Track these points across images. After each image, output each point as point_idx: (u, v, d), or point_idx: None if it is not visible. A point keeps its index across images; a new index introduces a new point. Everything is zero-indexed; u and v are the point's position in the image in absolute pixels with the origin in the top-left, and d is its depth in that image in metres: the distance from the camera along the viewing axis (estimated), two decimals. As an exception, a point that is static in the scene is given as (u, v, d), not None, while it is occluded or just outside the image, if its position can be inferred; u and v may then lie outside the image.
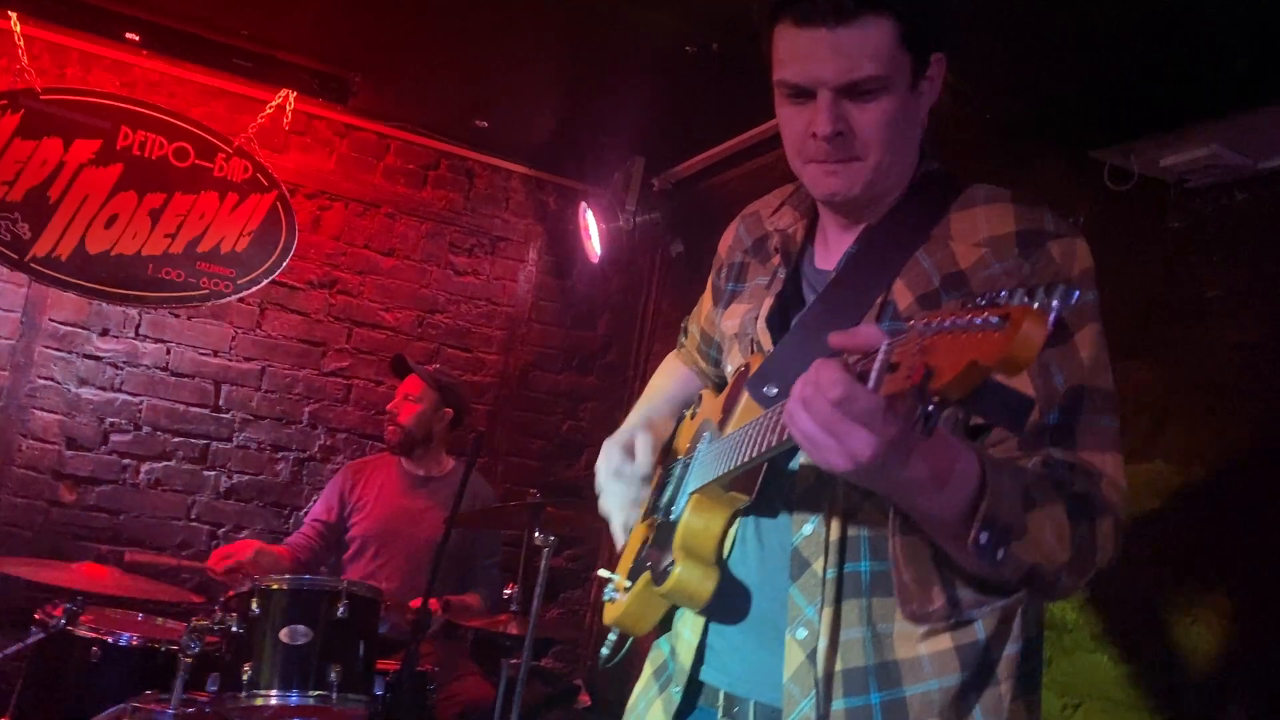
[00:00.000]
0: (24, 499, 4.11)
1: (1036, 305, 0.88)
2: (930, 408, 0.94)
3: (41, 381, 4.14)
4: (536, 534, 3.22)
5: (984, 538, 1.12)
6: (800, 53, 1.35)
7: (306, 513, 4.19)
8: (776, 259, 1.60)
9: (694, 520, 1.45)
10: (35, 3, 3.75)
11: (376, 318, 4.68)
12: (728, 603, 1.45)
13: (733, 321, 1.65)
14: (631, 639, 1.63)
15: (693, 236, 4.60)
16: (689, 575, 1.44)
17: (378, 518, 3.89)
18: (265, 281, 4.26)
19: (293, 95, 4.20)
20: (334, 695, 2.84)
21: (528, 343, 4.96)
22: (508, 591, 3.51)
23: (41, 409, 4.15)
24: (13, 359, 4.09)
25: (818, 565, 1.36)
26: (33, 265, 3.89)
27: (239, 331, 4.43)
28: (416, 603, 3.55)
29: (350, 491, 3.97)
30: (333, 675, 2.84)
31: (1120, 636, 2.43)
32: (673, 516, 1.52)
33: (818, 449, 1.05)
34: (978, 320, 0.89)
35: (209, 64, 4.00)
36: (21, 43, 3.87)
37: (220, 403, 4.42)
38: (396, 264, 4.71)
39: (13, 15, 3.81)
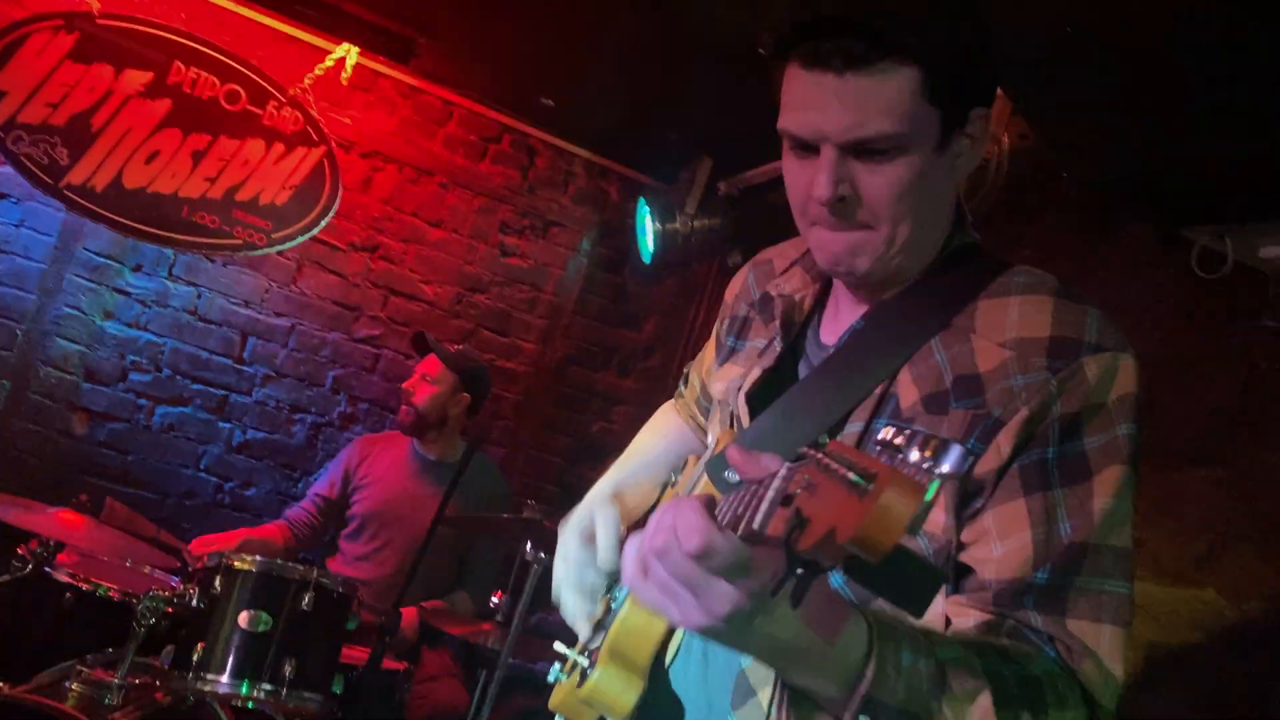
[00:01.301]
0: (35, 426, 4.04)
1: (912, 469, 0.68)
2: (800, 570, 0.72)
3: (68, 310, 4.06)
4: (528, 548, 3.03)
5: None
6: (805, 100, 1.13)
7: (314, 479, 4.06)
8: (776, 324, 1.37)
9: (633, 617, 1.22)
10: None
11: (415, 289, 4.51)
12: (658, 718, 1.23)
13: (721, 385, 1.43)
14: None
15: (753, 249, 4.34)
16: (608, 683, 1.22)
17: (381, 498, 3.75)
18: (300, 239, 4.11)
19: (355, 50, 4.03)
20: (284, 691, 2.68)
21: (569, 335, 4.75)
22: (495, 600, 3.32)
23: (64, 337, 4.07)
24: (42, 284, 4.01)
25: (763, 696, 1.14)
26: (65, 192, 3.79)
27: (273, 285, 4.31)
28: (409, 613, 3.40)
29: (357, 468, 3.84)
30: (287, 669, 2.68)
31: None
32: (614, 606, 1.30)
33: (672, 603, 0.87)
34: (847, 476, 0.67)
35: (273, 5, 3.85)
36: (85, -38, 3.77)
37: (244, 355, 4.30)
38: (444, 236, 4.53)
39: (81, -67, 3.71)
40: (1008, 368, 1.11)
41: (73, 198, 3.78)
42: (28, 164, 3.70)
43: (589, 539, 1.42)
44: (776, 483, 0.77)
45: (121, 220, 3.83)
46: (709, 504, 0.86)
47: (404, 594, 3.04)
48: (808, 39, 1.13)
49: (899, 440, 0.72)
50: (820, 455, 0.72)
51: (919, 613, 0.85)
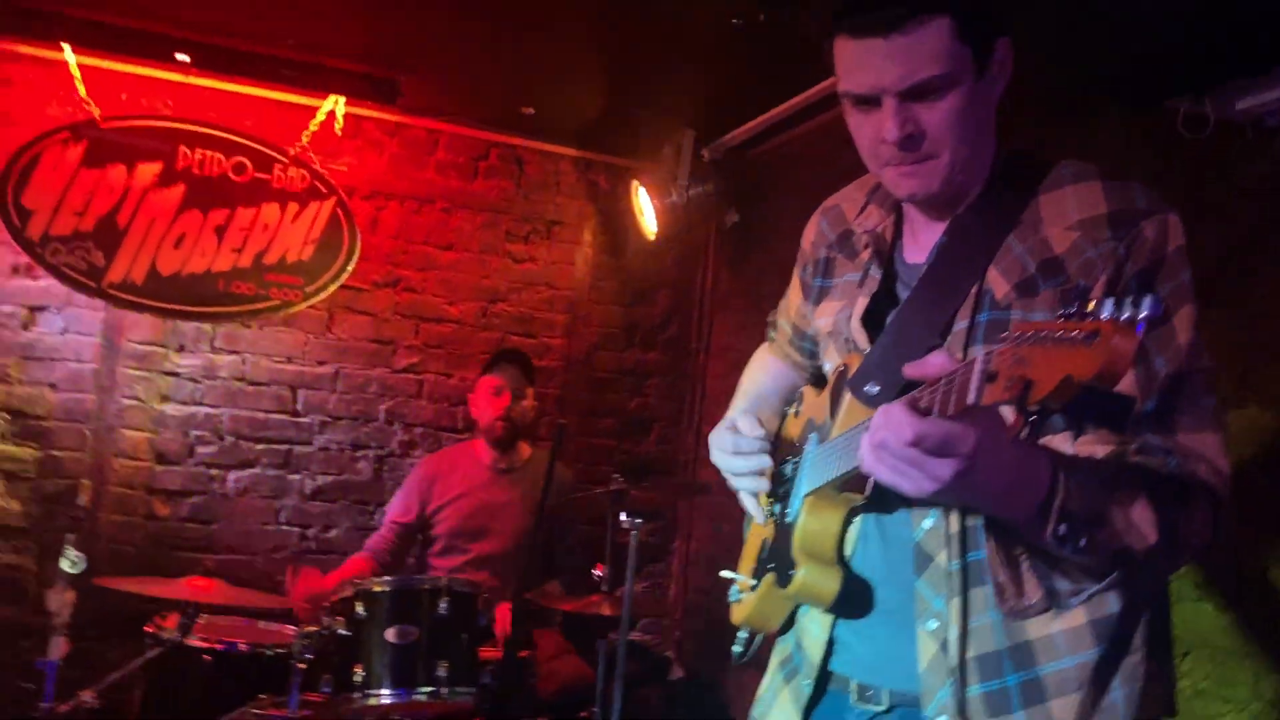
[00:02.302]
0: (122, 516, 4.25)
1: (1125, 318, 0.92)
2: (1032, 417, 0.99)
3: (126, 401, 4.27)
4: (623, 517, 3.28)
5: (1063, 529, 1.19)
6: (860, 64, 1.37)
7: (387, 508, 4.27)
8: (866, 254, 1.61)
9: (810, 523, 1.48)
10: (85, 33, 3.82)
11: (441, 312, 4.74)
12: (854, 599, 1.48)
13: (826, 319, 1.66)
14: (761, 635, 1.67)
15: (746, 205, 4.60)
16: (812, 578, 1.47)
17: (465, 513, 3.93)
18: (333, 287, 4.33)
19: (341, 100, 4.24)
20: (444, 690, 2.94)
21: (590, 324, 5.00)
22: (597, 572, 3.57)
23: (129, 428, 4.27)
24: (97, 382, 4.21)
25: (941, 558, 1.38)
26: (109, 291, 4.00)
27: (310, 337, 4.52)
28: (504, 612, 3.59)
29: (430, 490, 3.99)
30: (441, 670, 2.94)
31: (1222, 584, 2.43)
32: (789, 519, 1.56)
33: (904, 482, 1.14)
34: (1070, 335, 0.93)
35: (258, 77, 4.06)
36: (77, 73, 3.95)
37: (298, 407, 4.52)
38: (456, 257, 4.76)
39: (65, 46, 3.89)
40: (1080, 245, 1.36)
41: (116, 294, 3.99)
42: (69, 272, 3.90)
43: (736, 431, 1.68)
44: (979, 366, 1.02)
45: (165, 306, 4.05)
46: (910, 403, 1.12)
47: (507, 596, 3.26)
48: (851, 15, 1.38)
49: (1062, 315, 0.98)
50: (1018, 336, 0.98)
51: (1123, 427, 1.13)
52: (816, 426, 1.58)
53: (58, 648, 2.99)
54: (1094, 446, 1.32)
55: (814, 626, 1.56)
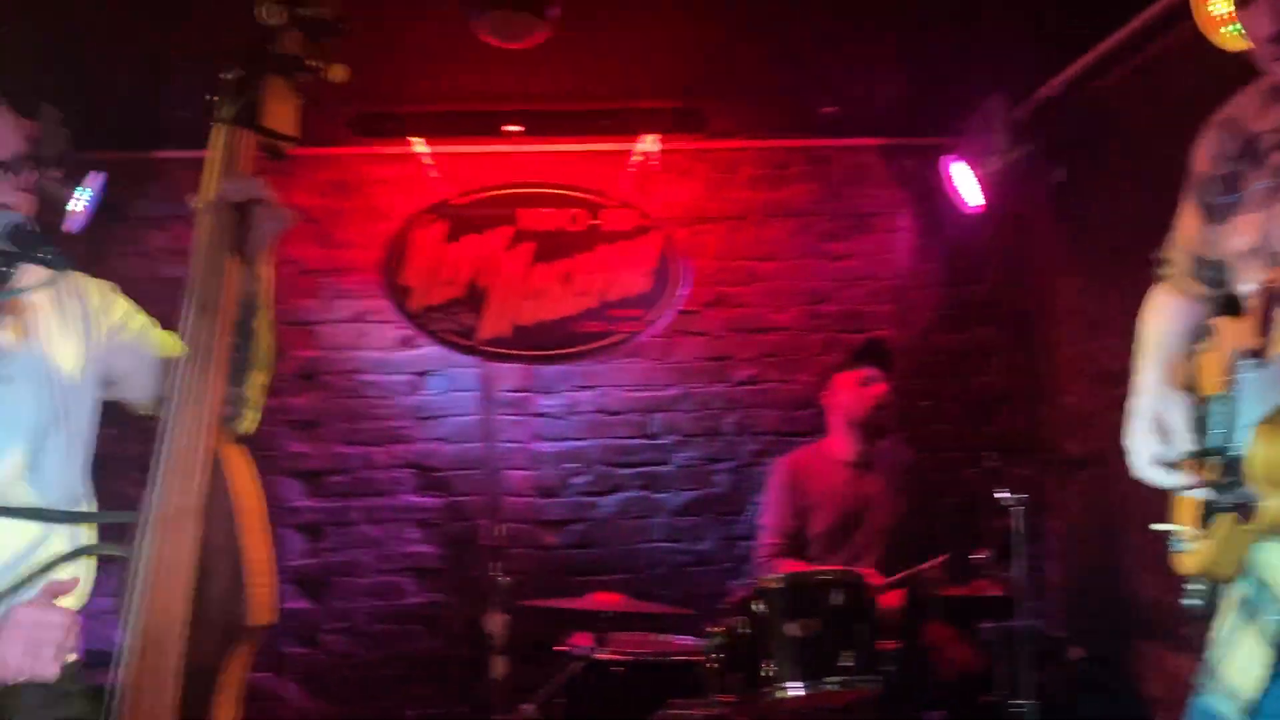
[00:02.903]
0: (519, 549, 4.69)
1: None
2: None
3: (506, 445, 4.72)
4: (1002, 495, 3.23)
5: None
6: None
7: (755, 516, 4.31)
8: (1278, 156, 1.54)
9: (1268, 450, 1.42)
10: (430, 125, 4.32)
11: (769, 321, 4.87)
12: None
13: (1243, 236, 1.60)
14: (1217, 584, 1.62)
15: (1071, 160, 4.40)
16: (1282, 503, 1.41)
17: (836, 511, 3.91)
18: (670, 314, 4.59)
19: (654, 138, 4.51)
20: (850, 679, 3.01)
21: (918, 310, 4.95)
22: (978, 556, 3.52)
23: (512, 468, 4.72)
24: (482, 430, 4.69)
25: None
26: (481, 347, 4.47)
27: (655, 363, 4.80)
28: (890, 600, 3.59)
29: (798, 494, 3.97)
30: (845, 660, 3.01)
31: None
32: (1237, 453, 1.51)
33: None
34: None
35: (579, 132, 4.40)
36: (430, 161, 4.47)
37: (654, 430, 4.80)
38: (776, 266, 4.88)
39: (416, 140, 4.41)
40: None
41: (488, 350, 4.45)
42: (448, 337, 4.42)
43: (1162, 430, 1.66)
44: None
45: (529, 353, 4.47)
46: None
47: (891, 586, 3.27)
48: None
49: None
50: None
51: None
52: (1246, 352, 1.52)
53: (497, 667, 3.35)
54: None
55: (1277, 558, 1.49)
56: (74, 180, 3.85)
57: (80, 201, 4.00)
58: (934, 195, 4.80)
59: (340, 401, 4.69)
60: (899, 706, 3.34)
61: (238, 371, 1.99)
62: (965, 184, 4.43)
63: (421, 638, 4.63)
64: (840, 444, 4.05)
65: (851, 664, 3.01)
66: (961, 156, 4.40)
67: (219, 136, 1.95)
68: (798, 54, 3.92)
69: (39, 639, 1.68)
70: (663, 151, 4.73)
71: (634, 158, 4.57)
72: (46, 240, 1.75)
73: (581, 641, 3.57)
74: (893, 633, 3.37)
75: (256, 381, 2.03)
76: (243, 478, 1.89)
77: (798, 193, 4.91)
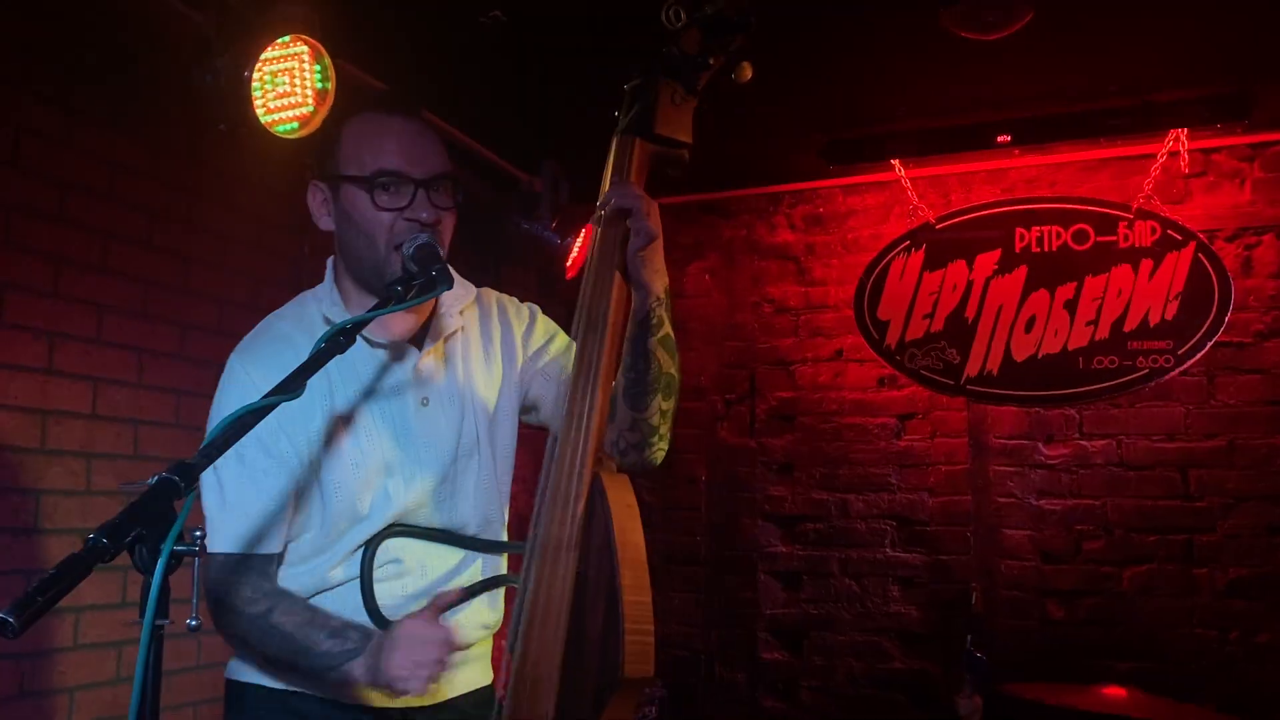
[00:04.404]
0: (1015, 620, 4.07)
1: None
2: None
3: (1002, 500, 4.14)
4: None
5: None
6: None
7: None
8: None
9: None
10: (911, 144, 3.95)
11: (1357, 354, 3.77)
12: None
13: None
14: None
15: None
16: None
17: None
18: (1207, 345, 3.72)
19: (1183, 134, 3.71)
20: None
21: None
22: None
23: (1009, 527, 4.12)
24: (972, 482, 4.16)
25: None
26: (968, 387, 3.97)
27: (1190, 408, 3.93)
28: None
29: None
30: None
31: None
32: None
33: None
34: None
35: (1083, 136, 3.76)
36: (909, 184, 4.10)
37: (1191, 490, 3.92)
38: (1365, 283, 3.78)
39: (896, 163, 4.07)
40: None
41: (975, 389, 3.94)
42: (929, 375, 3.98)
43: None
44: None
45: (1025, 394, 3.87)
46: None
47: None
48: None
49: None
50: None
51: None
52: None
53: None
54: None
55: None
56: (566, 230, 4.07)
57: (574, 248, 4.22)
58: None
59: (818, 445, 4.45)
60: None
61: (638, 396, 1.82)
62: None
63: (907, 709, 4.19)
64: None
65: None
66: None
67: (614, 147, 1.81)
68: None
69: (418, 653, 1.62)
70: (1195, 150, 3.89)
71: (1158, 159, 3.79)
72: (439, 260, 1.71)
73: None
74: None
75: (658, 407, 1.84)
76: (624, 512, 1.69)
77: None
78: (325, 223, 1.85)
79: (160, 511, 1.06)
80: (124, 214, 2.81)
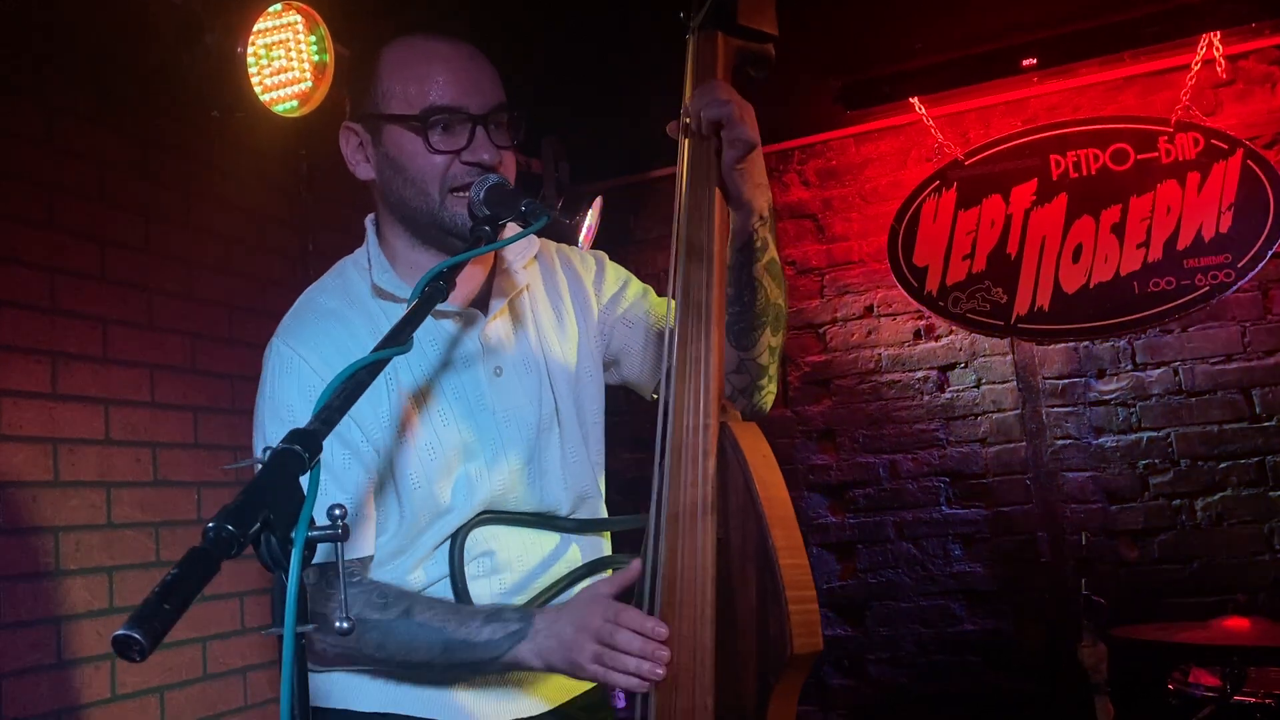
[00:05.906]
0: (1089, 565, 3.88)
1: None
2: None
3: (1060, 443, 3.95)
4: None
5: None
6: None
7: None
8: None
9: None
10: (930, 79, 3.76)
11: None
12: None
13: None
14: None
15: None
16: None
17: None
18: (1269, 254, 3.55)
19: (1216, 38, 3.53)
20: None
21: None
22: None
23: (1070, 469, 3.93)
24: (1024, 427, 3.97)
25: None
26: (1019, 326, 3.77)
27: (1245, 325, 3.75)
28: None
29: None
30: None
31: None
32: None
33: None
34: None
35: (1115, 49, 3.57)
36: (930, 122, 3.90)
37: (1257, 410, 3.74)
38: None
39: (915, 101, 3.87)
40: None
41: (1027, 328, 3.74)
42: (977, 318, 3.78)
43: None
44: None
45: (1081, 326, 3.67)
46: None
47: None
48: None
49: None
50: None
51: None
52: None
53: (1103, 710, 2.63)
54: None
55: None
56: (573, 210, 3.84)
57: (583, 228, 4.00)
58: None
59: (858, 407, 4.25)
60: None
61: (744, 332, 1.61)
62: None
63: (982, 672, 3.99)
64: None
65: None
66: None
67: (691, 48, 1.59)
68: None
69: (586, 631, 1.41)
70: (1232, 56, 3.71)
71: (1193, 68, 3.61)
72: (519, 199, 1.48)
73: (1205, 680, 2.76)
74: None
75: (766, 343, 1.62)
76: (763, 464, 1.47)
77: None
78: (364, 170, 1.61)
79: (287, 490, 0.82)
80: (117, 215, 2.56)
